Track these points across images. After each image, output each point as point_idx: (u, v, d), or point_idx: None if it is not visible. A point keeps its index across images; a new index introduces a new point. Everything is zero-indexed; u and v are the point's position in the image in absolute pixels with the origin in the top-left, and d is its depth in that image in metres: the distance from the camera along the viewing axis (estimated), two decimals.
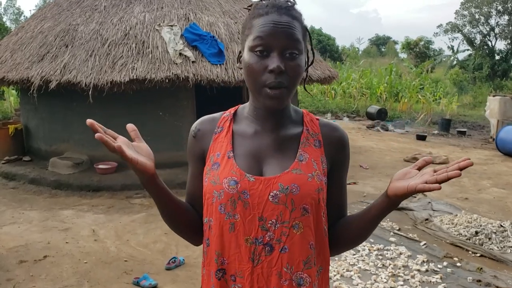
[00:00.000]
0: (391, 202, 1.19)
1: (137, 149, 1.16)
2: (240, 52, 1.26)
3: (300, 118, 1.32)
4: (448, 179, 1.07)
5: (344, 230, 1.32)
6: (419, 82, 18.30)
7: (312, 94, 18.65)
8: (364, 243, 4.90)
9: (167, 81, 6.69)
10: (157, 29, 7.21)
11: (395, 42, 55.90)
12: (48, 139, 7.96)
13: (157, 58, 6.89)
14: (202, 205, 1.30)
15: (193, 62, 6.90)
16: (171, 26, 7.25)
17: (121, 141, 1.12)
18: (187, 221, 1.32)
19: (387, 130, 13.69)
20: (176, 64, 6.82)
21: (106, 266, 4.44)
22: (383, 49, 53.85)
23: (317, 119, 1.34)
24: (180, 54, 6.93)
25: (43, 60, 7.14)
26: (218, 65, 7.02)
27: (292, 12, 1.18)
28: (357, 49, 51.18)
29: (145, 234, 5.27)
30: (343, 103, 18.10)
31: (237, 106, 1.38)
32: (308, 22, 9.80)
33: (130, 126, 1.19)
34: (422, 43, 32.23)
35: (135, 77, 6.65)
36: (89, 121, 1.08)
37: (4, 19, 35.94)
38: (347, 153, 1.33)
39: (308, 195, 1.19)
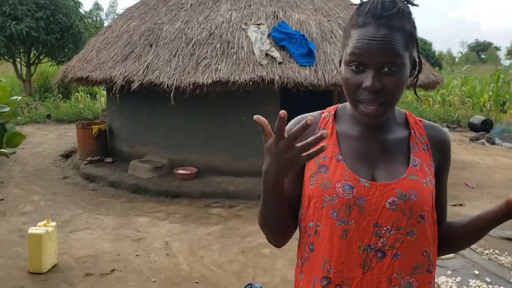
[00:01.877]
0: (508, 210, 1.16)
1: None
2: (340, 57, 1.21)
3: (404, 120, 1.29)
4: None
5: (449, 234, 1.30)
6: None
7: (408, 100, 17.39)
8: (479, 283, 4.02)
9: (251, 83, 6.18)
10: (243, 28, 6.74)
11: (497, 48, 51.93)
12: (130, 141, 7.79)
13: (241, 59, 6.41)
14: (293, 205, 1.28)
15: (279, 63, 6.33)
16: (258, 24, 6.74)
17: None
18: (286, 222, 1.26)
19: (493, 143, 12.23)
20: (262, 65, 6.28)
21: (175, 287, 3.96)
22: (483, 56, 50.50)
23: (420, 120, 1.31)
24: (267, 54, 6.39)
25: (126, 60, 6.95)
26: (307, 66, 6.39)
27: (393, 22, 1.11)
28: (454, 56, 48.22)
29: (221, 251, 4.76)
30: (442, 112, 16.62)
31: (336, 106, 1.33)
32: None
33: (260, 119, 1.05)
34: None
35: (218, 79, 6.22)
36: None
37: (105, 24, 38.04)
38: (449, 155, 1.32)
39: (425, 202, 1.17)
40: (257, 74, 6.15)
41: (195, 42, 6.75)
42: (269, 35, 6.64)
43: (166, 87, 6.29)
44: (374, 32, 1.10)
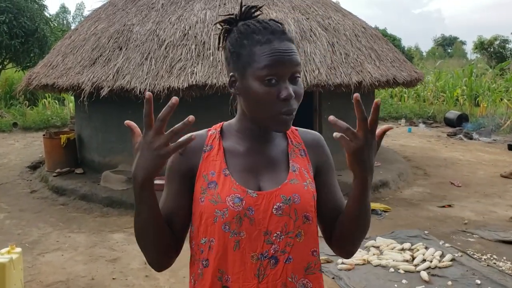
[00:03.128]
0: (358, 175, 1.17)
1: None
2: (232, 76, 1.23)
3: None
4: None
5: (342, 227, 1.30)
6: (503, 84, 16.49)
7: (383, 97, 17.30)
8: None
9: None
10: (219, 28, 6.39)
11: (463, 43, 52.78)
12: (101, 150, 7.34)
13: (219, 61, 6.06)
14: (180, 225, 1.27)
15: None
16: None
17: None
18: (166, 239, 1.23)
19: (471, 138, 12.20)
20: None
21: None
22: (449, 50, 51.27)
23: (296, 129, 1.36)
24: None
25: (95, 64, 6.52)
26: None
27: (288, 35, 1.19)
28: (422, 51, 48.81)
29: None
30: (417, 107, 16.62)
31: (221, 123, 1.35)
32: (372, 23, 8.70)
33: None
34: (497, 42, 29.78)
35: (194, 83, 5.86)
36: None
37: (72, 27, 37.02)
38: (327, 153, 1.36)
39: (308, 203, 1.22)
40: None
41: (168, 43, 6.37)
42: None
43: (138, 92, 5.90)
44: (280, 45, 1.16)
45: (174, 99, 1.01)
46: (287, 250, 1.19)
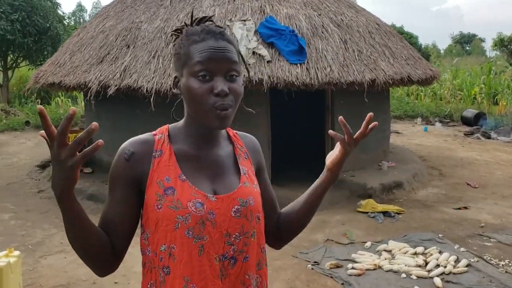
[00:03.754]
0: (332, 174, 1.37)
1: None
2: (175, 77, 1.28)
3: (226, 134, 1.39)
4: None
5: (292, 218, 1.44)
6: None
7: (399, 95, 16.97)
8: None
9: None
10: (228, 25, 6.24)
11: (482, 40, 51.85)
12: (110, 149, 7.19)
13: None
14: (126, 233, 1.26)
15: (268, 61, 5.85)
16: (244, 20, 6.25)
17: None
18: (100, 247, 1.21)
19: (489, 137, 11.87)
20: (249, 64, 5.79)
21: None
22: (467, 48, 50.41)
23: (236, 132, 1.43)
24: (254, 53, 5.90)
25: (102, 63, 6.41)
26: (298, 64, 5.91)
27: (226, 36, 1.24)
28: (439, 48, 48.08)
29: None
30: (433, 106, 16.26)
31: (166, 126, 1.34)
32: (388, 20, 8.43)
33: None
34: None
35: None
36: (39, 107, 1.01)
37: None
38: (262, 155, 1.47)
39: (259, 204, 1.30)
40: (244, 75, 5.65)
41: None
42: (256, 31, 6.15)
43: (145, 91, 5.78)
44: (215, 43, 1.20)
45: (72, 109, 0.99)
46: (244, 249, 1.24)
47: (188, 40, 1.23)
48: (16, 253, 3.75)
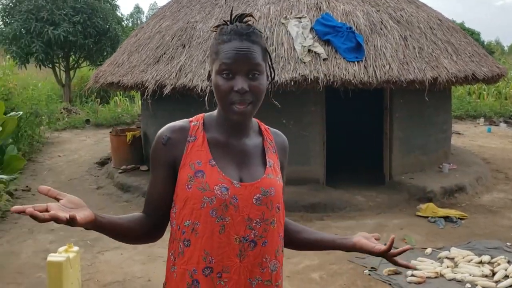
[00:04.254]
0: (351, 249, 1.50)
1: (68, 204, 1.19)
2: (209, 71, 1.41)
3: (258, 127, 1.50)
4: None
5: (293, 238, 1.57)
6: None
7: (460, 94, 16.23)
8: None
9: (292, 83, 5.59)
10: (283, 23, 6.15)
11: None
12: None
13: (281, 57, 5.82)
14: (164, 208, 1.42)
15: (324, 59, 5.71)
16: (300, 18, 6.13)
17: (55, 208, 1.14)
18: (137, 234, 1.42)
19: None
20: (304, 63, 5.68)
21: None
22: None
23: (268, 128, 1.53)
24: (309, 50, 5.78)
25: (158, 62, 6.49)
26: (356, 62, 5.73)
27: (252, 37, 1.33)
28: (503, 45, 45.75)
29: None
30: (497, 105, 15.43)
31: (202, 115, 1.47)
32: (448, 16, 8.00)
33: (42, 189, 1.19)
34: None
35: None
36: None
37: None
38: (287, 155, 1.58)
39: (279, 195, 1.41)
40: (299, 73, 5.56)
41: None
42: (311, 29, 6.03)
43: (200, 90, 5.79)
44: (239, 45, 1.31)
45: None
46: (264, 235, 1.36)
47: (219, 39, 1.35)
48: (75, 248, 3.83)
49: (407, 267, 1.52)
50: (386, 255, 1.44)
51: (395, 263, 1.48)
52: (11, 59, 13.58)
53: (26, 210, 1.07)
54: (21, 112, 2.45)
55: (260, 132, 1.49)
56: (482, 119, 13.78)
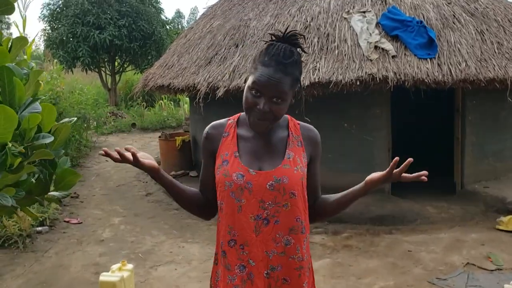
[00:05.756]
0: (366, 188, 1.64)
1: (142, 156, 1.58)
2: (248, 76, 1.59)
3: (286, 124, 1.71)
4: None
5: (325, 206, 1.76)
6: None
7: None
8: None
9: (358, 83, 5.10)
10: (345, 18, 5.67)
11: None
12: None
13: (345, 55, 5.35)
14: (212, 191, 1.69)
15: (393, 56, 5.19)
16: (364, 12, 5.64)
17: (133, 151, 1.52)
18: (194, 203, 1.74)
19: None
20: (371, 60, 5.18)
21: None
22: None
23: (298, 123, 1.74)
24: (376, 47, 5.28)
25: (210, 63, 6.14)
26: (428, 59, 5.19)
27: (288, 69, 1.52)
28: None
29: None
30: None
31: (239, 114, 1.73)
32: None
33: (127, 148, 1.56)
34: None
35: (317, 80, 5.21)
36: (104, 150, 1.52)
37: None
38: (320, 148, 1.73)
39: (295, 183, 1.59)
40: (365, 72, 5.06)
41: None
42: (377, 24, 5.53)
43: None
44: (273, 73, 1.50)
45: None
46: (276, 215, 1.58)
47: (261, 58, 1.54)
48: (129, 266, 3.49)
49: (418, 177, 1.54)
50: (393, 176, 1.58)
51: (406, 179, 1.57)
52: (58, 63, 13.63)
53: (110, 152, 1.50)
54: (75, 118, 2.11)
55: (288, 128, 1.69)
56: None
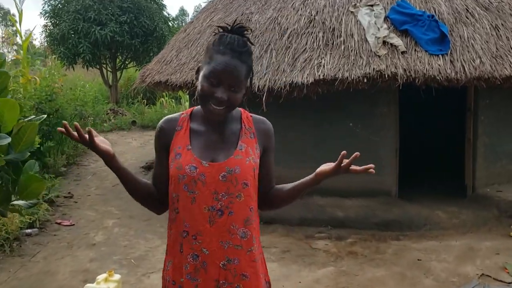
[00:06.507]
0: (316, 179, 1.65)
1: (100, 141, 1.57)
2: (200, 67, 1.62)
3: (239, 116, 1.70)
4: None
5: (278, 195, 1.77)
6: None
7: None
8: None
9: (365, 80, 4.82)
10: (352, 11, 5.39)
11: None
12: None
13: (351, 50, 5.07)
14: (165, 184, 1.69)
15: (403, 52, 4.91)
16: (371, 5, 5.35)
17: (91, 132, 1.52)
18: (145, 194, 1.73)
19: None
20: (379, 56, 4.89)
21: None
22: None
23: (251, 116, 1.74)
24: (385, 42, 4.99)
25: None
26: (440, 55, 4.90)
27: (243, 57, 1.55)
28: None
29: None
30: None
31: (192, 108, 1.75)
32: None
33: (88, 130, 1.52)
34: None
35: (322, 77, 4.94)
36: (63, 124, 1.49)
37: None
38: (273, 139, 1.75)
39: (247, 173, 1.61)
40: (373, 68, 4.78)
41: (291, 32, 5.51)
42: (386, 18, 5.24)
43: (256, 89, 5.11)
44: (229, 61, 1.52)
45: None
46: (229, 206, 1.59)
47: (216, 47, 1.56)
48: (116, 277, 3.22)
49: (366, 170, 1.55)
50: (342, 169, 1.56)
51: (355, 171, 1.57)
52: (57, 60, 13.37)
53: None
54: (44, 116, 1.83)
55: (240, 120, 1.69)
56: None
